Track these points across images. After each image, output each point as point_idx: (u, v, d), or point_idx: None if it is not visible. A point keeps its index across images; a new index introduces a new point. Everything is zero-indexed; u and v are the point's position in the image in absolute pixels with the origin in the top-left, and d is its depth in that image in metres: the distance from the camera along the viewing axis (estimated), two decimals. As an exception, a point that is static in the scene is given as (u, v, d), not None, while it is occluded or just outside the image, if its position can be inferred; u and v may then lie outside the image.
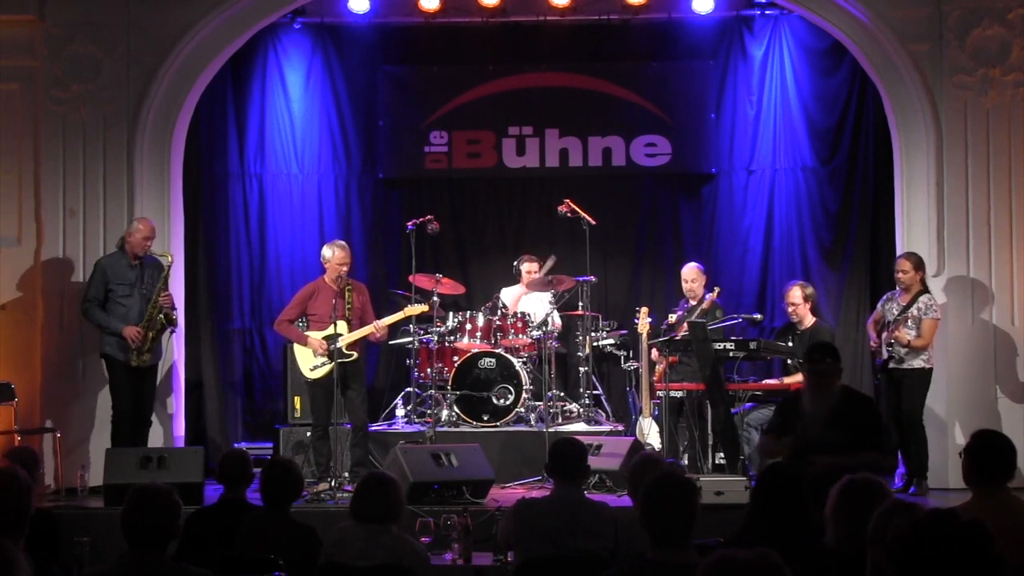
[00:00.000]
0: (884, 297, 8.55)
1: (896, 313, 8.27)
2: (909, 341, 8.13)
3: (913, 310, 8.24)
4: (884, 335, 8.27)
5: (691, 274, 9.19)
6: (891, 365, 8.26)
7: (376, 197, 10.66)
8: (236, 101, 10.09)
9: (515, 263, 10.11)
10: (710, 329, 8.19)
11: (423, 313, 8.83)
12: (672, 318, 9.02)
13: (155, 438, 8.49)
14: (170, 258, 8.36)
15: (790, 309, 8.88)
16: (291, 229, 10.63)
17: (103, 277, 8.27)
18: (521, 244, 10.48)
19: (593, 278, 9.53)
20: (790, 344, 8.63)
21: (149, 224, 8.49)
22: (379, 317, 8.76)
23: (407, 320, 8.80)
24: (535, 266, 10.01)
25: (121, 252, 8.27)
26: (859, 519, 3.31)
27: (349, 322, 8.35)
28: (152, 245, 8.44)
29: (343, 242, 8.73)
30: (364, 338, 8.34)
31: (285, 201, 10.57)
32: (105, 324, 8.27)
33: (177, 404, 9.01)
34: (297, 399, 9.48)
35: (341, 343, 8.24)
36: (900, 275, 8.24)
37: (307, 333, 8.35)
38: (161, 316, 8.34)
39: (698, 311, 8.74)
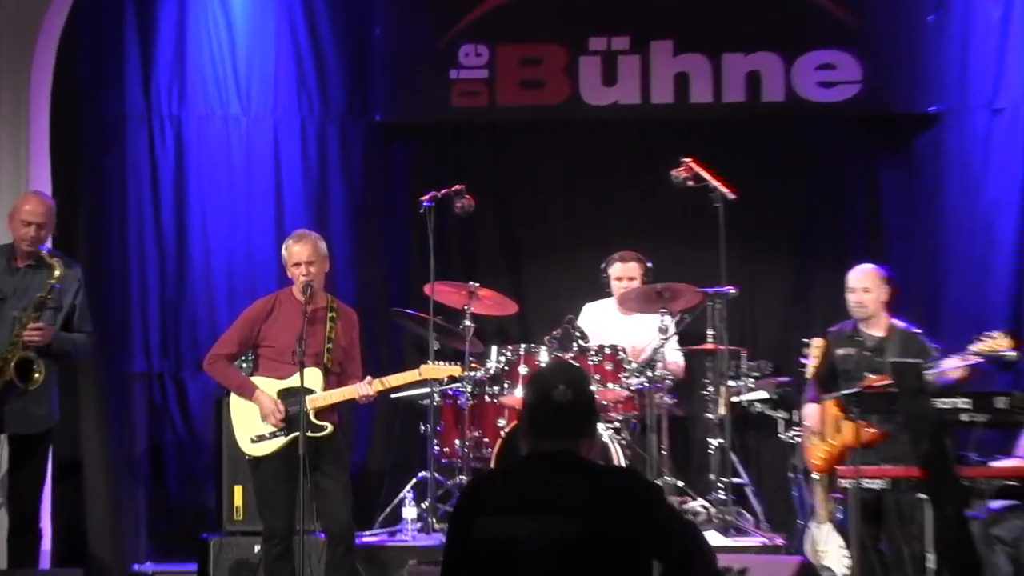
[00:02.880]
0: None
1: None
2: None
3: None
4: None
5: (866, 280, 7.48)
6: None
7: (370, 154, 8.91)
8: (138, 5, 8.67)
9: (602, 265, 8.30)
10: (925, 375, 6.36)
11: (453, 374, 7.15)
12: (841, 354, 7.39)
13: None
14: (59, 270, 6.91)
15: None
16: (229, 206, 8.84)
17: None
18: (609, 234, 8.78)
19: (732, 290, 7.67)
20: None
21: (35, 200, 7.12)
22: (375, 363, 7.42)
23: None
24: (634, 269, 8.23)
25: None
26: None
27: (327, 370, 6.50)
28: (47, 236, 7.07)
29: (311, 233, 6.85)
30: (348, 402, 6.50)
31: (219, 160, 8.84)
32: None
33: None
34: (238, 490, 7.47)
35: (309, 405, 6.40)
36: None
37: (254, 378, 6.56)
38: (12, 364, 6.74)
39: (889, 344, 7.29)
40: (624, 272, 8.12)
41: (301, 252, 6.57)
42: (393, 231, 8.95)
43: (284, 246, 6.70)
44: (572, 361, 7.01)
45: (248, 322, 6.63)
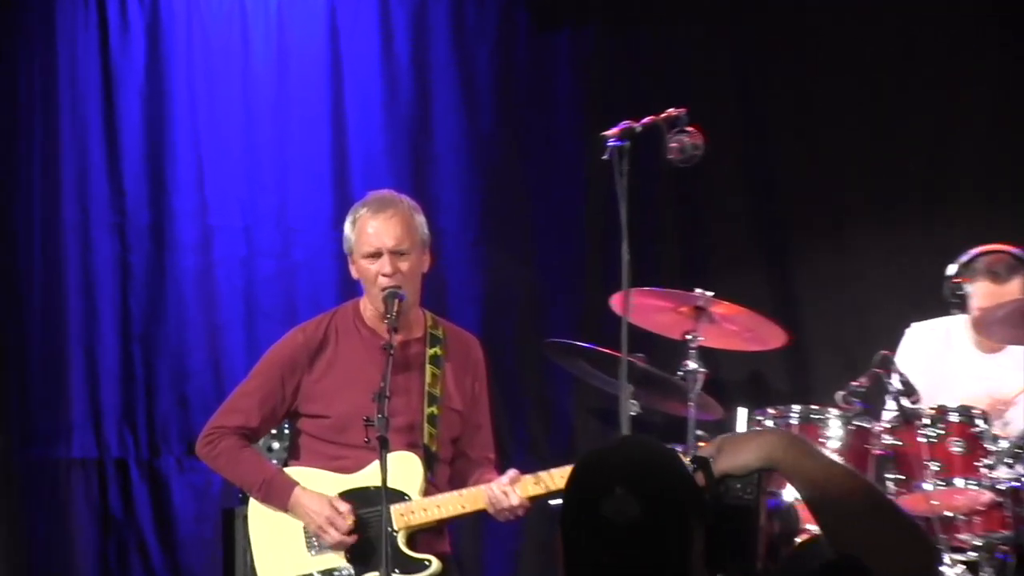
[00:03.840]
0: None
1: None
2: None
3: None
4: None
5: None
6: None
7: (507, 50, 7.19)
8: None
9: (952, 271, 6.48)
10: None
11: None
12: None
13: None
14: None
15: None
16: (246, 146, 7.12)
17: None
18: (960, 208, 7.06)
19: None
20: None
21: None
22: (520, 441, 6.98)
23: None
24: (1017, 289, 6.44)
25: None
26: None
27: (430, 455, 5.24)
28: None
29: (400, 197, 5.29)
30: (471, 515, 5.49)
31: (228, 59, 7.10)
32: None
33: None
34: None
35: (399, 522, 5.10)
36: None
37: (291, 470, 5.36)
38: None
39: None
40: (997, 295, 6.31)
41: (383, 232, 5.04)
42: (549, 194, 7.32)
43: (350, 220, 5.20)
44: (793, 433, 4.82)
45: (277, 369, 5.18)
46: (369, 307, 5.07)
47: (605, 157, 5.41)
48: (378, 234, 5.02)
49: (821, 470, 2.72)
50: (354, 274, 5.12)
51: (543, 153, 7.37)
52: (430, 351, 5.28)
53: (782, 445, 2.69)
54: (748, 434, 3.69)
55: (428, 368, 5.24)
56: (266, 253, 7.25)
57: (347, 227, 5.16)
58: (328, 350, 5.21)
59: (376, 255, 4.99)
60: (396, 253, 4.96)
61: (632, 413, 5.84)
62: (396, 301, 4.93)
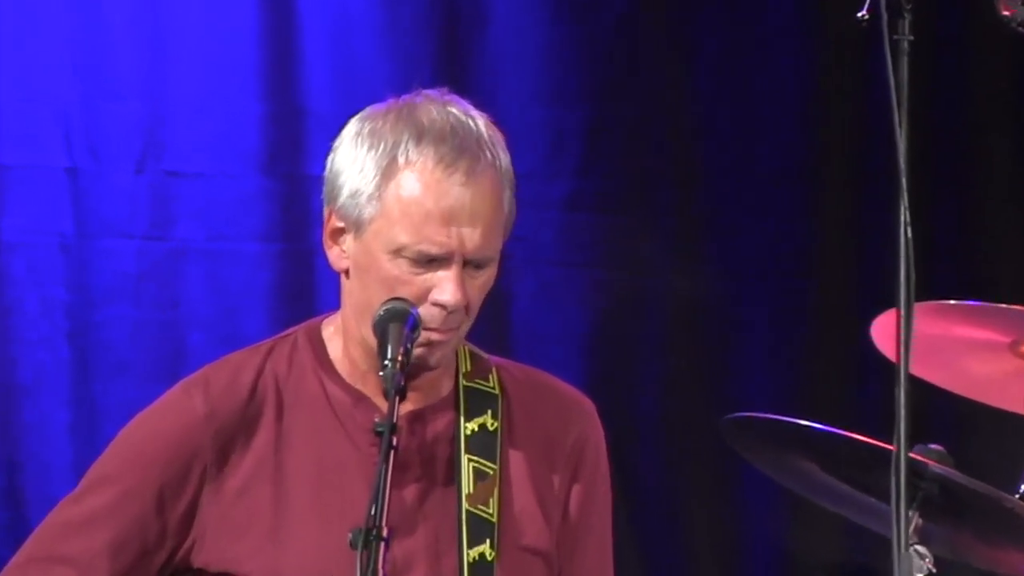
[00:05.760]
0: None
1: None
2: None
3: None
4: None
5: None
6: None
7: None
8: None
9: None
10: None
11: None
12: None
13: None
14: None
15: None
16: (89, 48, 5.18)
17: None
18: None
19: None
20: None
21: None
22: None
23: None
24: None
25: None
26: None
27: None
28: None
29: (479, 123, 2.64)
30: None
31: None
32: None
33: None
34: None
35: None
36: None
37: None
38: None
39: None
40: None
41: (468, 214, 2.79)
42: (727, 119, 5.36)
43: (371, 158, 2.75)
44: None
45: (147, 474, 2.89)
46: (342, 339, 2.90)
47: (861, 14, 2.92)
48: (452, 219, 2.81)
49: None
50: (335, 258, 2.76)
51: (727, 32, 5.34)
52: (469, 425, 3.04)
53: None
54: None
55: (466, 462, 3.02)
56: (116, 230, 5.01)
57: (367, 165, 2.77)
58: (258, 434, 2.98)
59: (437, 260, 2.78)
60: (472, 265, 2.79)
61: (921, 579, 4.66)
62: (405, 331, 2.69)
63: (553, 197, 5.02)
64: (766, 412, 3.90)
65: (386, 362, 2.53)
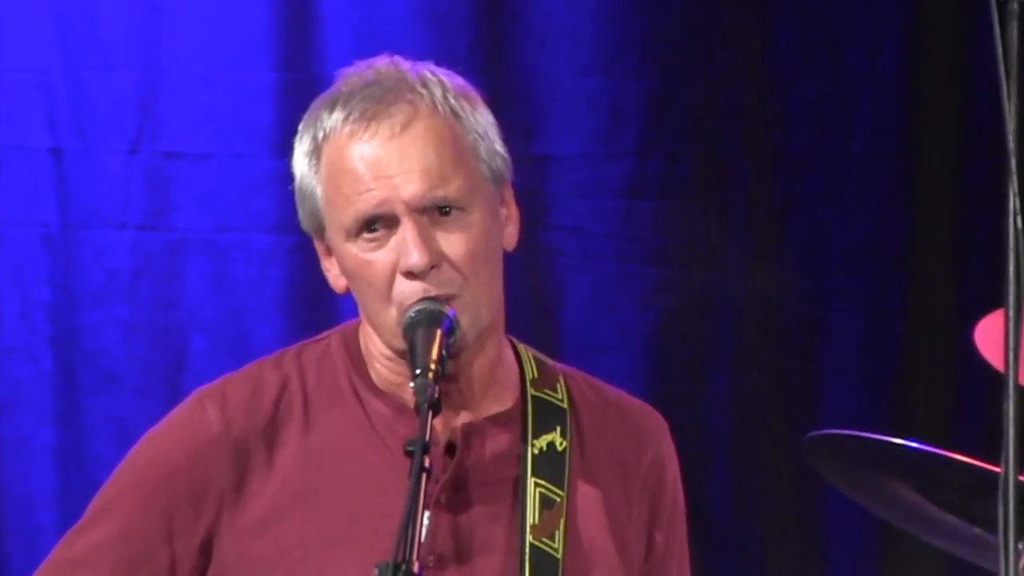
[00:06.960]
0: None
1: None
2: None
3: None
4: None
5: None
6: None
7: None
8: None
9: None
10: None
11: None
12: None
13: None
14: None
15: None
16: None
17: None
18: None
19: None
20: None
21: None
22: None
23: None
24: None
25: None
26: None
27: None
28: None
29: (419, 71, 2.41)
30: None
31: None
32: None
33: None
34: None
35: None
36: None
37: None
38: None
39: None
40: None
41: (392, 163, 2.42)
42: (815, 87, 5.09)
43: (306, 144, 2.42)
44: None
45: (156, 499, 2.49)
46: (379, 346, 2.55)
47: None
48: (379, 169, 2.47)
49: None
50: (333, 279, 2.46)
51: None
52: (537, 443, 2.66)
53: None
54: None
55: (532, 486, 2.59)
56: (107, 220, 4.90)
57: (300, 161, 2.43)
58: (283, 453, 2.61)
59: (379, 224, 2.45)
60: (431, 211, 2.44)
61: None
62: (440, 335, 2.37)
63: (608, 183, 4.81)
64: (854, 430, 3.73)
65: (416, 371, 2.22)
